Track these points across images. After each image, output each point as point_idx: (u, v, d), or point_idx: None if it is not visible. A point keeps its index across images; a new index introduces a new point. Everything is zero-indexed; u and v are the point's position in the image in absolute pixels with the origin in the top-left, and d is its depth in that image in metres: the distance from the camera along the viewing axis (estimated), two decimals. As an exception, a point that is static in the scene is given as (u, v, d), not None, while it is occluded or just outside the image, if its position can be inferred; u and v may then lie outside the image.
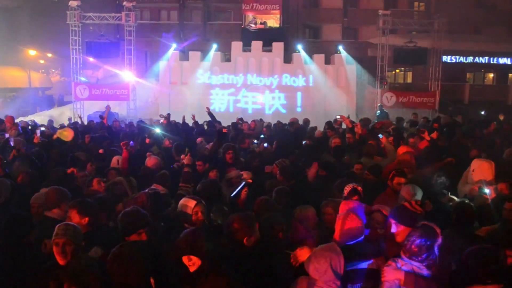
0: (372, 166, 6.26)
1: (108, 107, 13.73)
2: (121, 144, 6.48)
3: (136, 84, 20.18)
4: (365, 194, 4.55)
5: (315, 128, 11.64)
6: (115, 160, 6.76)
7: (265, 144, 8.54)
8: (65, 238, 3.27)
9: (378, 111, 17.96)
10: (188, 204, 3.87)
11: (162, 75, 20.39)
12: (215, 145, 6.69)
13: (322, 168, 6.09)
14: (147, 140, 8.80)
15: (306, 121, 13.08)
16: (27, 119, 16.48)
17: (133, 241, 3.35)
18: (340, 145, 7.89)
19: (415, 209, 3.38)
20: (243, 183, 5.01)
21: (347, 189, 4.49)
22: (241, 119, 12.68)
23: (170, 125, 11.55)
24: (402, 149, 6.94)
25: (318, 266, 2.98)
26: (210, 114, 12.38)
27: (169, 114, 11.79)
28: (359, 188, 4.48)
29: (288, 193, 4.84)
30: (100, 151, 7.69)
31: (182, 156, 6.64)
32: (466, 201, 4.58)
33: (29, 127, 11.61)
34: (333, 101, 19.78)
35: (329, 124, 11.02)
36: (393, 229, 3.34)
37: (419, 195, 4.48)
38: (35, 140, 8.20)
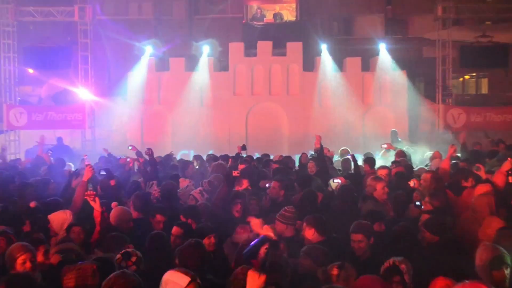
0: (431, 219, 6.23)
1: (42, 138, 14.28)
2: (94, 216, 6.48)
3: (95, 106, 19.98)
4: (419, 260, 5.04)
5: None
6: (66, 218, 6.69)
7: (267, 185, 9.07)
8: None
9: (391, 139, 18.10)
10: (179, 282, 4.00)
11: (132, 91, 20.13)
12: (222, 194, 6.96)
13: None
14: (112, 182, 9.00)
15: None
16: None
17: None
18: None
19: None
20: None
21: (386, 265, 4.79)
22: (243, 146, 13.21)
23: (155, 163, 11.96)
24: (480, 189, 7.16)
25: None
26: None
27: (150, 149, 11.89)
28: (403, 266, 4.67)
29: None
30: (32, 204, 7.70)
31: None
32: None
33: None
34: (374, 123, 19.52)
35: (369, 160, 11.25)
36: None
37: None
38: None
